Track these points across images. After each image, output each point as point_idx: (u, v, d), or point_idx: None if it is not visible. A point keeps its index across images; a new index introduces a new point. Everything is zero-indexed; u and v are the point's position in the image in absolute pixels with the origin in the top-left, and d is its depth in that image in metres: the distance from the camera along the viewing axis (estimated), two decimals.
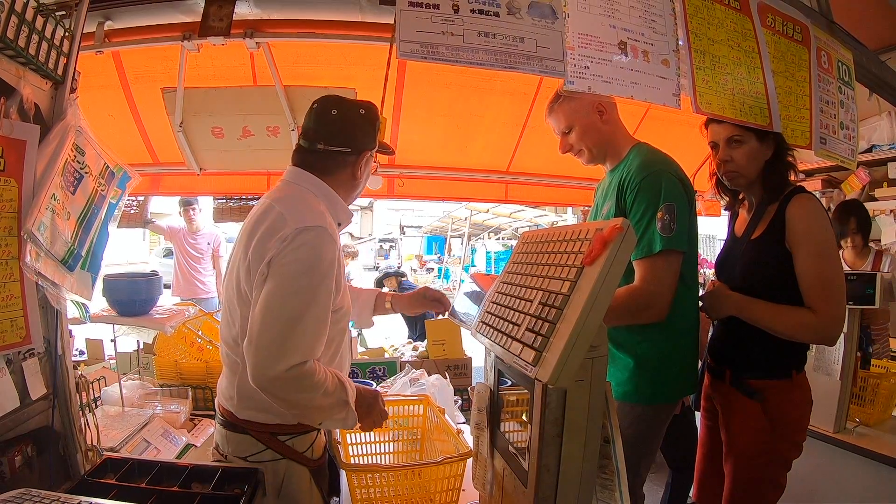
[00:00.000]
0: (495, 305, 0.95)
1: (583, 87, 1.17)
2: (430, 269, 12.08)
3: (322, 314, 0.97)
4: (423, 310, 1.40)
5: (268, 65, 2.14)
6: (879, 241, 2.41)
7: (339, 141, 1.08)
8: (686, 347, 1.31)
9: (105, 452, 1.29)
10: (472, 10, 1.07)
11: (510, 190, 2.59)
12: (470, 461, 1.11)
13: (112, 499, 1.00)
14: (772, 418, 1.22)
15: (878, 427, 1.81)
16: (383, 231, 21.03)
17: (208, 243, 3.53)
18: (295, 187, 1.08)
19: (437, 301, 1.38)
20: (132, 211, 2.31)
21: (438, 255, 14.06)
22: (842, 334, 1.73)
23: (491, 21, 1.08)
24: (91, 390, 1.46)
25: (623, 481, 0.83)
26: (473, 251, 10.31)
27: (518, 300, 0.87)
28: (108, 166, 1.35)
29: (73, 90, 1.29)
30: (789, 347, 1.24)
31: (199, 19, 1.96)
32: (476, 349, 1.77)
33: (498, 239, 11.97)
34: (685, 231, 1.23)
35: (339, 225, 1.12)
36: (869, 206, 2.28)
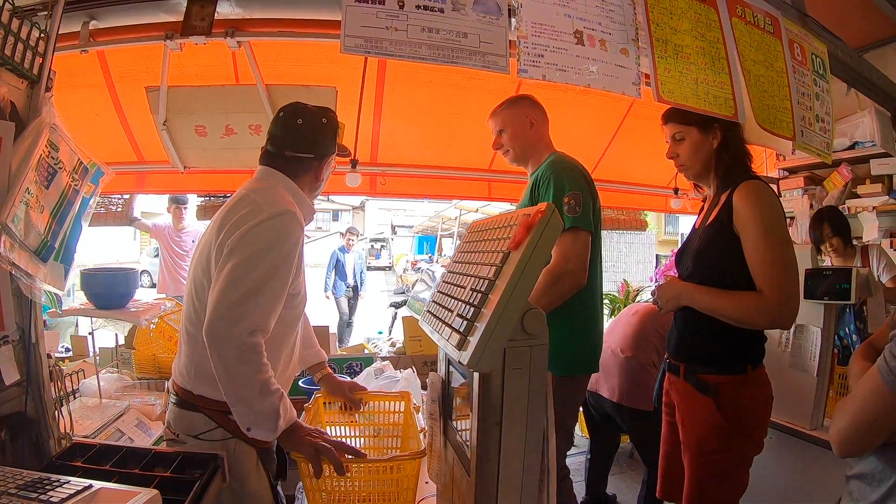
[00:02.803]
0: (439, 294, 1.01)
1: (537, 75, 1.20)
2: (419, 269, 12.20)
3: (279, 291, 1.08)
4: (341, 399, 1.50)
5: (249, 64, 2.22)
6: (861, 238, 2.42)
7: (304, 148, 1.22)
8: (583, 327, 1.55)
9: (76, 438, 1.36)
10: (418, 6, 1.11)
11: (493, 188, 2.65)
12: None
13: (79, 478, 1.07)
14: (726, 414, 1.24)
15: None
16: (374, 231, 21.36)
17: (193, 241, 3.59)
18: (266, 182, 1.20)
19: (352, 400, 1.48)
20: (117, 209, 2.40)
21: (429, 254, 14.26)
22: (818, 329, 1.77)
23: (435, 16, 1.12)
24: (70, 382, 1.54)
25: (552, 480, 0.86)
26: None
27: (455, 287, 0.93)
28: (81, 162, 1.43)
29: (48, 89, 1.37)
30: (743, 342, 1.26)
31: (182, 18, 2.03)
32: None
33: None
34: (589, 216, 1.49)
35: (304, 220, 1.22)
36: (851, 203, 2.29)
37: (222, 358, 1.02)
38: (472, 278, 0.87)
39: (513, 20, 1.17)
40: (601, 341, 1.63)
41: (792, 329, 1.82)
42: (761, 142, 1.52)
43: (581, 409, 2.14)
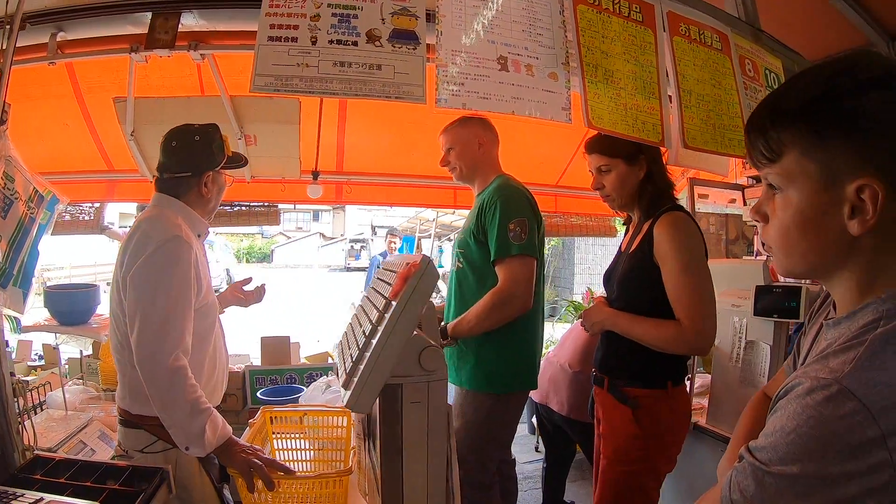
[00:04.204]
0: (349, 326, 1.14)
1: (456, 104, 1.26)
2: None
3: (186, 311, 1.25)
4: (234, 303, 1.71)
5: (214, 76, 2.35)
6: None
7: (180, 168, 1.39)
8: (521, 347, 1.71)
9: (38, 451, 1.54)
10: (331, 41, 1.17)
11: (458, 196, 2.76)
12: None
13: (35, 491, 1.24)
14: (643, 426, 1.37)
15: None
16: (354, 231, 21.91)
17: None
18: (157, 209, 1.36)
19: (238, 297, 1.70)
20: (88, 218, 2.56)
21: (408, 254, 14.39)
22: (767, 346, 1.88)
23: (349, 50, 1.18)
24: (38, 394, 1.73)
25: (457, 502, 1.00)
26: (441, 251, 10.62)
27: (358, 324, 1.06)
28: (37, 191, 1.59)
29: (2, 122, 1.52)
30: (664, 358, 1.38)
31: (147, 31, 2.16)
32: None
33: None
34: (534, 242, 1.64)
35: (199, 236, 1.39)
36: None
37: (153, 384, 1.20)
38: (366, 319, 1.00)
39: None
40: (538, 358, 1.80)
41: (742, 345, 1.93)
42: (694, 164, 1.61)
43: (535, 419, 2.29)
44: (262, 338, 2.33)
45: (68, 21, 2.21)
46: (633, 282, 1.41)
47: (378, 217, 21.77)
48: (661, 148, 1.52)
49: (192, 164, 1.39)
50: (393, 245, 5.75)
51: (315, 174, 2.40)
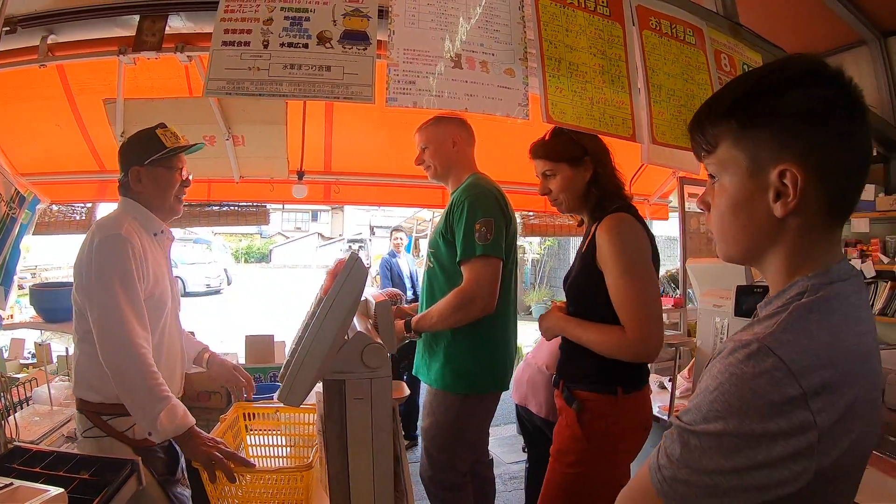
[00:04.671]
0: (303, 323, 1.20)
1: (407, 103, 1.30)
2: None
3: (135, 301, 1.33)
4: (227, 384, 1.71)
5: (201, 77, 2.44)
6: None
7: (121, 169, 1.51)
8: (491, 348, 1.73)
9: (18, 443, 1.64)
10: (282, 44, 1.22)
11: (446, 196, 2.79)
12: None
13: (9, 478, 1.33)
14: (585, 430, 1.37)
15: None
16: (353, 231, 22.10)
17: None
18: (115, 211, 1.47)
19: (237, 383, 1.67)
20: (80, 218, 2.67)
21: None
22: None
23: (299, 53, 1.23)
24: (24, 390, 1.84)
25: (411, 501, 1.04)
26: None
27: (305, 321, 1.12)
28: (18, 192, 1.69)
29: None
30: (617, 363, 1.36)
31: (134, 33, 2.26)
32: None
33: None
34: (500, 243, 1.65)
35: (156, 235, 1.48)
36: None
37: (117, 372, 1.28)
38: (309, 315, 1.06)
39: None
40: (509, 360, 1.81)
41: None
42: (663, 162, 1.62)
43: (517, 420, 2.32)
44: (246, 336, 2.41)
45: (58, 24, 2.32)
46: (581, 286, 1.43)
47: (377, 217, 22.06)
48: (622, 147, 1.54)
49: (122, 164, 1.51)
50: (398, 242, 5.61)
51: (300, 174, 2.47)
